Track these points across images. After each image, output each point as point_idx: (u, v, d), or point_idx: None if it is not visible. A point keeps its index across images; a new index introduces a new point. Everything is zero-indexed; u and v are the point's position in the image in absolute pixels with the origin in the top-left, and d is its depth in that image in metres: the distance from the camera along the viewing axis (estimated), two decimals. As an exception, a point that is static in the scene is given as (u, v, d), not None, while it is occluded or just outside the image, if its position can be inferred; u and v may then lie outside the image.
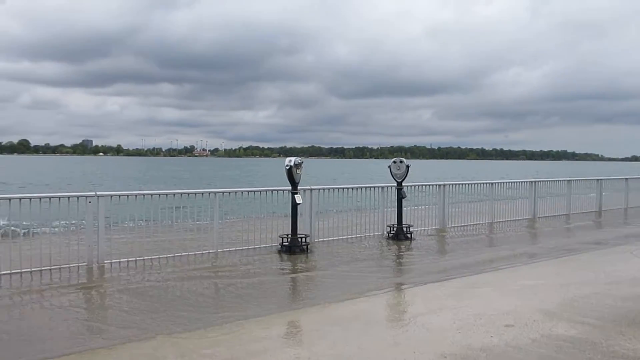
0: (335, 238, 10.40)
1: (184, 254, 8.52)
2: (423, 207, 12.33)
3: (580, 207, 15.54)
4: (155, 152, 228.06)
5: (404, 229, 10.68)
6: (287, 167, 9.09)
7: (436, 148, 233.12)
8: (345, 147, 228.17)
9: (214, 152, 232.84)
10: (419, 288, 6.95)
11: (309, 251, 9.18)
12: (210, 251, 8.86)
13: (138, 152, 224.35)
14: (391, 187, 11.00)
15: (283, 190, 9.57)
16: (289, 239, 9.17)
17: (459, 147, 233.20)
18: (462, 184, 12.96)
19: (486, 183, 13.46)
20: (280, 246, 9.19)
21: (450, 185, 12.52)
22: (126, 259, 7.97)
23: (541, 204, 14.54)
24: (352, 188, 10.92)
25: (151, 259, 8.15)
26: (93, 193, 7.75)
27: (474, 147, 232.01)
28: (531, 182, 14.37)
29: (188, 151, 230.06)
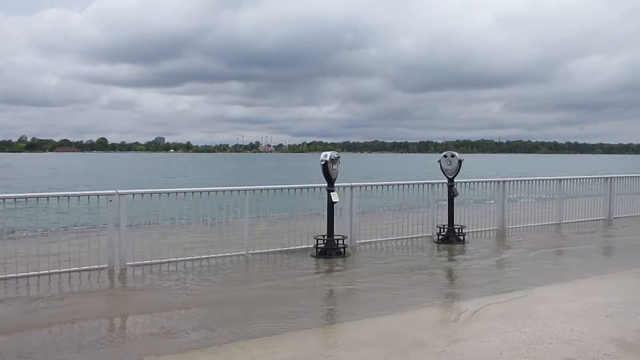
0: (378, 240, 9.52)
1: (212, 256, 7.97)
2: (480, 205, 11.18)
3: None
4: (222, 148, 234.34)
5: (456, 231, 9.62)
6: (322, 162, 8.30)
7: (504, 142, 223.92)
8: (409, 141, 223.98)
9: (278, 148, 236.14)
10: (466, 303, 5.96)
11: (346, 255, 8.37)
12: (240, 253, 8.26)
13: (206, 149, 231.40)
14: (442, 183, 9.96)
15: (320, 188, 8.80)
16: (325, 241, 8.40)
17: (529, 141, 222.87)
18: (524, 180, 11.62)
19: (553, 179, 12.04)
20: (315, 249, 8.44)
21: (511, 182, 11.25)
22: (149, 261, 7.51)
23: (618, 202, 12.90)
24: (398, 185, 9.98)
25: (176, 261, 7.66)
26: (114, 191, 7.32)
27: (546, 141, 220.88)
28: (606, 178, 12.77)
29: (253, 147, 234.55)
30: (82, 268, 7.07)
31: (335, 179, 8.43)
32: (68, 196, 7.13)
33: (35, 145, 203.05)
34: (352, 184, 9.23)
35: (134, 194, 7.52)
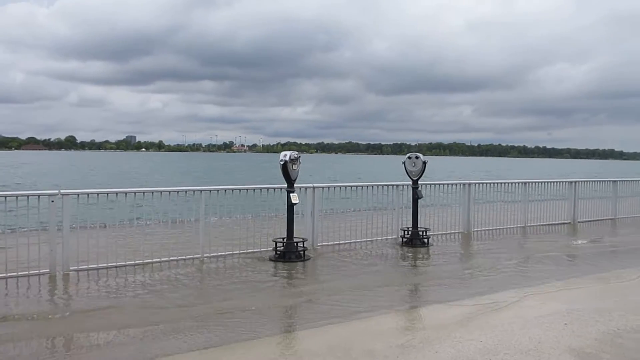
0: (341, 242, 9.26)
1: (164, 260, 7.57)
2: (446, 208, 11.01)
3: (628, 211, 13.82)
4: (195, 147, 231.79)
5: (420, 233, 9.42)
6: (282, 162, 7.99)
7: (476, 145, 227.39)
8: (382, 143, 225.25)
9: (253, 148, 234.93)
10: (424, 310, 5.75)
11: (306, 258, 8.07)
12: (195, 256, 7.88)
13: (179, 148, 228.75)
14: (407, 185, 9.75)
15: (281, 189, 8.47)
16: (284, 244, 8.08)
17: (499, 145, 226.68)
18: (490, 183, 11.53)
19: (519, 182, 11.99)
20: (274, 252, 8.12)
21: (477, 185, 11.14)
22: (95, 266, 7.06)
23: (582, 206, 12.94)
24: (362, 186, 9.73)
25: (125, 265, 7.24)
26: (57, 191, 6.86)
27: (516, 145, 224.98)
28: (571, 182, 12.79)
29: (227, 147, 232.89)
30: (20, 274, 6.59)
31: (295, 179, 8.13)
32: (5, 196, 6.65)
33: (0, 143, 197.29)
34: (314, 184, 8.95)
35: (78, 194, 7.06)
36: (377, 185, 9.85)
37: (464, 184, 10.93)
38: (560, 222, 12.35)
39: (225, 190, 8.24)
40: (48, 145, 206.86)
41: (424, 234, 9.45)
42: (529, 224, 11.80)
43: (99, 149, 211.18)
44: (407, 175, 9.57)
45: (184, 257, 7.78)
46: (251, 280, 6.89)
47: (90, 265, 7.02)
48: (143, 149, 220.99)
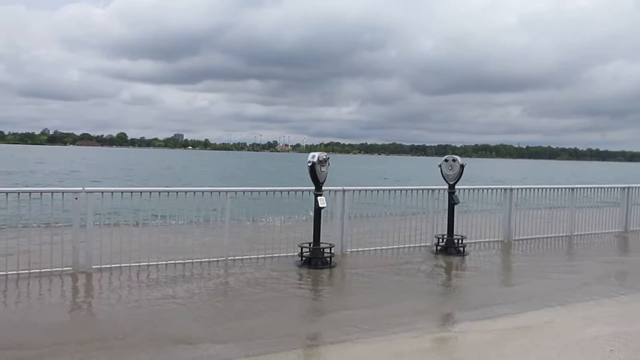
0: (371, 249, 8.87)
1: (187, 261, 7.42)
2: (485, 214, 10.43)
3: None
4: (239, 146, 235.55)
5: (456, 241, 8.92)
6: (310, 164, 7.68)
7: (524, 147, 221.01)
8: (427, 144, 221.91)
9: (296, 148, 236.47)
10: (453, 328, 5.31)
11: (332, 265, 7.74)
12: (220, 259, 7.70)
13: (224, 147, 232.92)
14: (443, 189, 9.26)
15: (309, 191, 8.16)
16: (310, 249, 7.78)
17: (549, 147, 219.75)
18: (534, 188, 10.83)
19: (565, 188, 11.24)
20: (300, 257, 7.83)
21: (520, 190, 10.50)
22: (117, 265, 6.98)
23: (636, 214, 12.04)
24: (395, 190, 9.32)
25: (147, 265, 7.12)
26: (80, 188, 6.81)
27: (566, 147, 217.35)
28: (624, 187, 11.92)
29: (271, 146, 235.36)
30: (42, 270, 6.56)
31: (323, 182, 7.81)
32: (29, 192, 6.64)
33: (57, 139, 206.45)
34: (345, 187, 8.60)
35: (102, 192, 6.99)
36: (411, 190, 9.40)
37: (505, 189, 10.32)
38: (610, 231, 11.53)
39: (252, 192, 8.02)
40: (101, 141, 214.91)
41: (460, 242, 8.95)
42: (575, 233, 11.05)
43: (148, 146, 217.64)
44: (443, 179, 9.08)
45: (207, 259, 7.61)
46: (274, 289, 6.62)
47: (112, 264, 6.94)
48: (190, 147, 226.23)
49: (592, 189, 11.62)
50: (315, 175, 7.70)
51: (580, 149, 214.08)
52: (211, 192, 7.77)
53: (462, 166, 8.86)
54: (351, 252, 8.67)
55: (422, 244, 9.30)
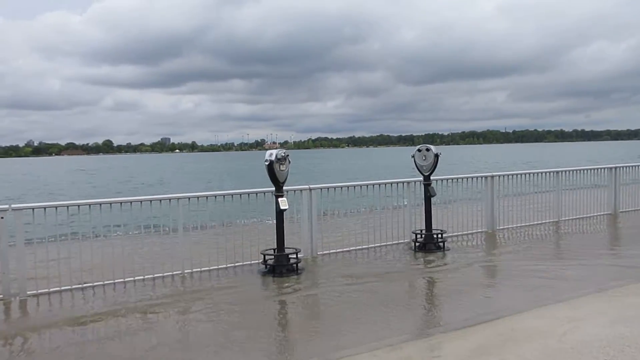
0: (345, 250, 8.21)
1: (138, 278, 6.70)
2: (466, 204, 9.80)
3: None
4: (227, 147, 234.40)
5: (435, 237, 8.27)
6: (267, 163, 6.98)
7: (511, 132, 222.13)
8: (414, 134, 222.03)
9: (284, 145, 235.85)
10: (427, 342, 4.63)
11: (300, 271, 7.06)
12: (175, 273, 6.98)
13: (212, 148, 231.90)
14: (419, 182, 8.59)
15: (272, 193, 7.43)
16: (274, 256, 7.09)
17: (535, 130, 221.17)
18: (516, 174, 10.20)
19: (550, 172, 10.62)
20: (264, 265, 7.14)
21: (501, 177, 9.86)
22: (58, 288, 6.24)
23: (625, 195, 11.48)
24: (367, 185, 8.64)
25: (92, 286, 6.40)
26: (7, 206, 6.05)
27: (553, 129, 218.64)
28: (611, 168, 11.33)
29: (259, 145, 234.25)
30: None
31: (284, 181, 7.11)
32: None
33: (41, 150, 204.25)
34: (311, 186, 7.91)
35: (33, 209, 6.24)
36: (385, 184, 8.72)
37: (485, 177, 9.68)
38: (599, 213, 10.96)
39: (207, 197, 7.30)
40: (87, 150, 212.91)
41: (439, 236, 8.30)
42: (563, 218, 10.47)
43: (135, 152, 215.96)
44: (417, 171, 8.42)
45: (161, 274, 6.89)
46: (233, 301, 5.92)
47: (51, 289, 6.21)
48: (177, 150, 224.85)
49: (578, 171, 11.02)
50: (275, 175, 7.01)
51: (566, 130, 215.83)
52: (160, 200, 7.03)
53: (436, 155, 8.19)
54: (322, 255, 8.00)
55: (399, 241, 8.65)
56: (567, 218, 10.50)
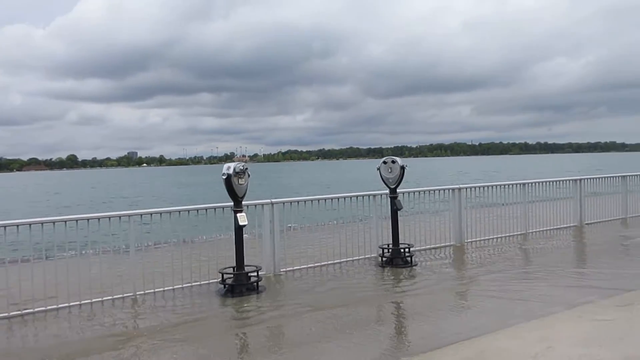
0: (309, 266, 7.87)
1: (85, 302, 6.20)
2: (434, 216, 9.60)
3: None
4: (196, 160, 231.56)
5: (402, 251, 8.01)
6: (225, 177, 6.60)
7: (477, 144, 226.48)
8: (383, 147, 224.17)
9: (254, 158, 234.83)
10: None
11: (260, 290, 6.67)
12: (127, 295, 6.50)
13: (180, 162, 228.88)
14: (385, 195, 8.33)
15: (231, 208, 7.03)
16: (233, 275, 6.69)
17: (500, 143, 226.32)
18: (483, 186, 10.07)
19: (516, 183, 10.54)
20: (222, 284, 6.73)
21: (468, 189, 9.70)
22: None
23: (590, 206, 11.49)
24: (332, 199, 8.33)
25: (44, 311, 5.87)
26: None
27: (517, 142, 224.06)
28: (575, 180, 11.35)
29: (228, 158, 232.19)
30: None
31: (243, 196, 6.75)
32: None
33: (2, 165, 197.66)
34: (273, 200, 7.57)
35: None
36: (351, 197, 8.44)
37: (452, 189, 9.51)
38: (566, 225, 10.92)
39: (161, 214, 6.86)
40: (50, 165, 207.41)
41: (407, 250, 8.04)
42: (531, 230, 10.38)
43: (101, 167, 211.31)
44: (383, 183, 8.17)
45: (111, 297, 6.40)
46: (185, 320, 5.49)
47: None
48: (145, 165, 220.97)
49: (544, 183, 10.99)
50: (233, 190, 6.63)
51: (530, 142, 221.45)
52: (109, 217, 6.55)
53: (402, 168, 7.96)
54: (286, 272, 7.64)
55: (366, 256, 8.35)
56: (534, 230, 10.42)
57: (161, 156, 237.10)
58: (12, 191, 56.77)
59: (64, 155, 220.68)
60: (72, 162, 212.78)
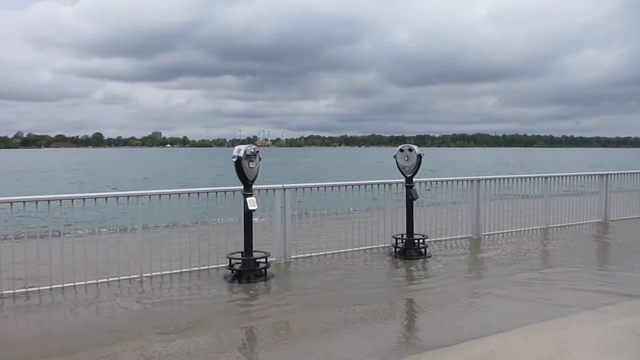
0: (320, 254, 7.72)
1: (90, 282, 6.15)
2: (451, 207, 9.33)
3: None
4: (219, 142, 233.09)
5: (416, 242, 7.78)
6: (235, 160, 6.45)
7: (501, 136, 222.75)
8: (405, 135, 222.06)
9: (276, 142, 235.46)
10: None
11: (268, 277, 6.54)
12: (133, 276, 6.43)
13: (203, 144, 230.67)
14: (402, 183, 8.08)
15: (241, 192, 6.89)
16: (242, 261, 6.57)
17: (525, 135, 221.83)
18: (503, 178, 9.73)
19: (538, 177, 10.18)
20: (230, 270, 6.61)
21: (488, 181, 9.39)
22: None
23: (616, 202, 11.05)
24: (346, 186, 8.12)
25: (50, 289, 5.84)
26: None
27: (542, 135, 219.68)
28: (602, 175, 10.92)
29: (251, 141, 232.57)
30: None
31: (253, 180, 6.59)
32: None
33: (31, 141, 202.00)
34: (285, 185, 7.40)
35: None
36: (366, 184, 8.22)
37: (471, 180, 9.21)
38: (589, 221, 10.54)
39: (170, 195, 6.75)
40: (76, 142, 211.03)
41: (421, 242, 7.81)
42: (552, 225, 10.03)
43: (125, 146, 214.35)
44: (399, 172, 7.93)
45: (117, 277, 6.34)
46: (188, 305, 5.39)
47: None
48: (168, 145, 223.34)
49: (568, 177, 10.60)
50: (243, 173, 6.47)
51: (556, 136, 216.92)
52: (117, 197, 6.46)
53: (419, 156, 7.70)
54: (296, 259, 7.50)
55: (379, 245, 8.16)
56: (555, 225, 10.07)
57: (185, 137, 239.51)
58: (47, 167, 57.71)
59: (90, 133, 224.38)
60: (97, 140, 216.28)
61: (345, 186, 8.08)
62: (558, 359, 3.98)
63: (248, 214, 6.54)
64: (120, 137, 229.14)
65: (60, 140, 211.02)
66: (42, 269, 5.93)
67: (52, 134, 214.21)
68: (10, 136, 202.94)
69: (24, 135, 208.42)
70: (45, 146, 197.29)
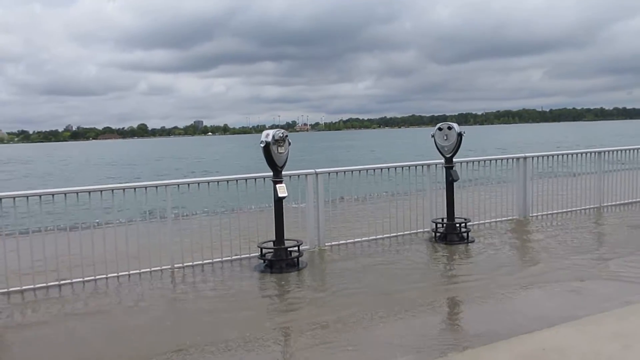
0: (356, 240, 7.40)
1: (122, 274, 6.06)
2: (495, 188, 8.81)
3: None
4: (259, 129, 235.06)
5: (457, 226, 7.35)
6: (263, 145, 6.18)
7: (547, 110, 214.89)
8: (447, 114, 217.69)
9: (315, 127, 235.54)
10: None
11: (301, 266, 6.29)
12: (164, 267, 6.32)
13: (243, 130, 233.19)
14: (441, 164, 7.64)
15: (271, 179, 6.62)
16: (273, 250, 6.33)
17: (573, 108, 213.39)
18: (552, 155, 9.07)
19: (590, 152, 9.48)
20: (262, 259, 6.39)
21: (535, 158, 8.79)
22: (31, 286, 5.65)
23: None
24: (382, 169, 7.74)
25: (83, 281, 5.80)
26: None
27: (592, 107, 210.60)
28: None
29: (290, 126, 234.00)
30: None
31: (283, 165, 6.31)
32: None
33: (79, 134, 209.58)
34: (317, 170, 7.09)
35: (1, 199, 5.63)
36: (402, 166, 7.82)
37: (517, 158, 8.65)
38: (647, 199, 9.77)
39: (199, 184, 6.57)
40: (122, 134, 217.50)
41: (462, 226, 7.37)
42: (606, 203, 9.36)
43: (169, 135, 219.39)
44: (438, 152, 7.48)
45: (148, 269, 6.24)
46: (224, 305, 5.21)
47: (25, 287, 5.62)
48: (210, 133, 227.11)
49: (623, 152, 9.83)
50: (272, 158, 6.21)
51: (607, 108, 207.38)
52: (146, 187, 6.32)
53: (459, 135, 7.22)
54: (331, 246, 7.21)
55: (418, 230, 7.77)
56: (610, 204, 9.39)
57: (225, 125, 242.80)
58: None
59: (134, 125, 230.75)
60: (142, 131, 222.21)
61: (381, 169, 7.72)
62: (618, 356, 3.55)
63: (278, 202, 6.28)
64: (163, 127, 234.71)
65: (107, 132, 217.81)
66: (73, 261, 5.87)
67: (100, 127, 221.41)
68: (60, 129, 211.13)
69: (74, 129, 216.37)
70: (94, 138, 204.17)
